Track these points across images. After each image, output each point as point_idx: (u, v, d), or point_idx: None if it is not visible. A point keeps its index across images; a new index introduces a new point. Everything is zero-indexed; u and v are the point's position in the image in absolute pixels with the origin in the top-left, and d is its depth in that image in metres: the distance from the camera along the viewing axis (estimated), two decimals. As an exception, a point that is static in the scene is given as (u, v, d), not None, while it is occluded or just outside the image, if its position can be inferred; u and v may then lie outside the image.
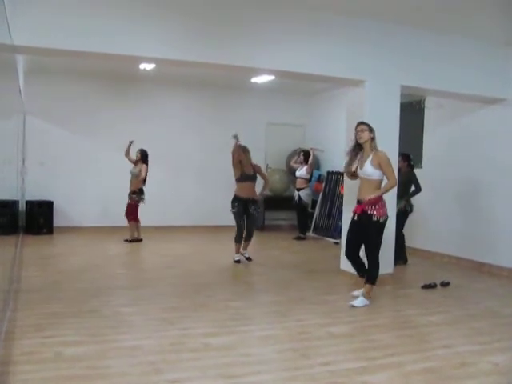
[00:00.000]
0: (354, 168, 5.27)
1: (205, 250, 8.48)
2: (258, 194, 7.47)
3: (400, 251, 7.48)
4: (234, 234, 7.36)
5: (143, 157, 8.91)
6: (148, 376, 3.30)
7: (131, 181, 8.94)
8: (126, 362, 3.52)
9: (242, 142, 7.53)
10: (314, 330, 4.37)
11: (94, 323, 4.37)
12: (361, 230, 5.22)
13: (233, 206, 7.31)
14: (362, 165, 5.18)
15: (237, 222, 7.31)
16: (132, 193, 8.90)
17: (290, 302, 5.31)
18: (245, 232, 7.37)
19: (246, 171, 7.33)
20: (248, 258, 7.49)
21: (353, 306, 5.13)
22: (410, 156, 7.55)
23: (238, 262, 7.34)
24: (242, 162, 7.31)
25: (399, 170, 7.40)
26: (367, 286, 5.29)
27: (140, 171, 8.82)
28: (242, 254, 7.47)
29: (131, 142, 9.00)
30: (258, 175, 7.47)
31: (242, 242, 7.42)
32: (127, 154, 9.07)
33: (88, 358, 3.55)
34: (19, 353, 3.59)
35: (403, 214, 7.37)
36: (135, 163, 8.99)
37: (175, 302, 5.17)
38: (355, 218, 5.25)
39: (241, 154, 7.32)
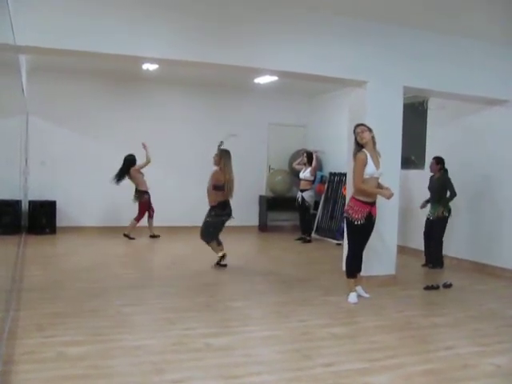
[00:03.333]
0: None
1: (206, 251, 8.44)
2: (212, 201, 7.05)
3: (439, 257, 7.44)
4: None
5: None
6: (150, 376, 3.30)
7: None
8: (128, 362, 3.52)
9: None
10: (316, 331, 4.37)
11: (95, 323, 4.37)
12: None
13: None
14: (377, 165, 5.22)
15: None
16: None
17: (291, 302, 5.31)
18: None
19: None
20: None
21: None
22: (439, 159, 7.37)
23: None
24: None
25: (433, 175, 7.41)
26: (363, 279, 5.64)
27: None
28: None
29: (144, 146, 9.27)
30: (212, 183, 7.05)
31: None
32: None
33: (90, 358, 3.56)
34: (21, 352, 3.60)
35: (441, 221, 7.25)
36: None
37: (177, 302, 5.18)
38: (372, 220, 5.34)
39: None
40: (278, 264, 7.55)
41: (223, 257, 7.17)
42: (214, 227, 7.11)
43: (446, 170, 7.33)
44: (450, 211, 7.24)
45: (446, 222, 7.27)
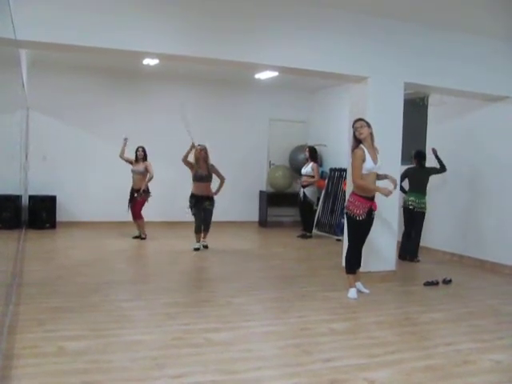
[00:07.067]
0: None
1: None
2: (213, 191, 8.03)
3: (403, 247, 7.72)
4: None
5: (146, 154, 8.77)
6: (149, 371, 3.31)
7: (136, 179, 8.75)
8: (128, 357, 3.52)
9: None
10: (316, 327, 4.38)
11: (95, 318, 4.38)
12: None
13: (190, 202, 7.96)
14: (374, 160, 5.22)
15: (195, 216, 7.97)
16: (140, 190, 8.64)
17: (291, 298, 5.31)
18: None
19: (199, 172, 7.91)
20: (206, 246, 8.07)
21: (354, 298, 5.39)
22: (416, 153, 7.67)
23: (197, 249, 7.88)
24: (198, 163, 7.92)
25: None
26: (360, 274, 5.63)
27: (146, 169, 8.66)
28: (201, 242, 8.08)
29: (126, 140, 8.70)
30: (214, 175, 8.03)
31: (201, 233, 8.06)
32: (123, 154, 8.77)
33: (90, 353, 3.57)
34: (21, 347, 3.60)
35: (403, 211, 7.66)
36: (134, 162, 8.80)
37: (177, 298, 5.18)
38: (372, 215, 5.35)
39: (197, 155, 7.92)
40: (277, 259, 7.55)
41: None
42: None
43: (421, 164, 7.64)
44: (404, 202, 7.61)
45: (405, 213, 7.67)
